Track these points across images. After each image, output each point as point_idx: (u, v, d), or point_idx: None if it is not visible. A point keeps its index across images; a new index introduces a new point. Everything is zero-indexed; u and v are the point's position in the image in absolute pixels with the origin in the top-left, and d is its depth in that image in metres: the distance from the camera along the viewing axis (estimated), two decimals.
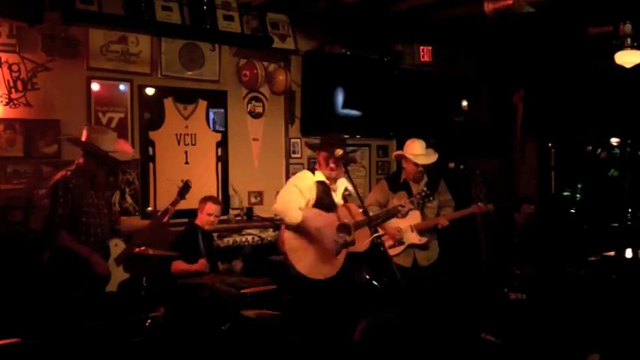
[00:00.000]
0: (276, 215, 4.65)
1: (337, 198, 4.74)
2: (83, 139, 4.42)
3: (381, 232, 4.53)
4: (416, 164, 5.53)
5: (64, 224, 4.24)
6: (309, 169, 4.83)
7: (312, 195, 4.60)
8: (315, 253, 4.53)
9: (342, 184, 4.77)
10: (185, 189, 4.92)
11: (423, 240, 5.55)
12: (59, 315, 4.31)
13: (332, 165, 4.63)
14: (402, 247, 5.52)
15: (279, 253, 4.84)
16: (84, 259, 4.27)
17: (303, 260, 4.51)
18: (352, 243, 4.62)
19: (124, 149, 4.67)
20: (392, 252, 5.35)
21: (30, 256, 4.88)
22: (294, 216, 4.47)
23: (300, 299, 4.63)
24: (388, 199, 5.55)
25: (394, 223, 5.43)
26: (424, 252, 5.61)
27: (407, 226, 5.52)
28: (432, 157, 5.57)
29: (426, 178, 5.68)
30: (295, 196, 4.55)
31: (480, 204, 5.73)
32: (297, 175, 4.79)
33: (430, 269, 5.59)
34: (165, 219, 4.87)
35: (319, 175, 4.69)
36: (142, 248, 4.73)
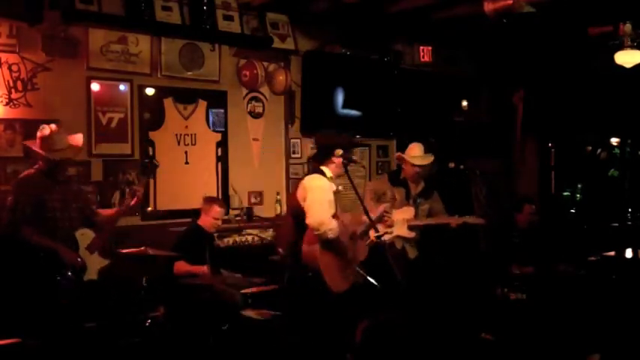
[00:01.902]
0: (317, 230, 4.20)
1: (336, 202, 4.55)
2: (36, 146, 4.58)
3: (381, 232, 4.51)
4: (413, 165, 5.73)
5: (25, 219, 4.42)
6: (313, 171, 4.48)
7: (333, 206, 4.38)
8: (338, 267, 4.39)
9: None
10: (149, 168, 4.93)
11: (412, 234, 5.66)
12: (50, 311, 4.39)
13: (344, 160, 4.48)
14: (389, 236, 5.56)
15: (303, 267, 4.37)
16: (51, 250, 4.42)
17: (333, 276, 4.34)
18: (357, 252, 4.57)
19: (75, 144, 4.75)
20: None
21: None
22: (335, 229, 4.23)
23: (320, 313, 4.39)
24: (385, 191, 5.76)
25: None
26: (411, 247, 5.74)
27: (400, 218, 5.66)
28: (427, 159, 5.77)
29: (423, 184, 5.87)
30: (330, 208, 4.31)
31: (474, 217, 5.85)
32: (320, 185, 4.35)
33: (414, 264, 5.70)
34: (133, 203, 4.89)
35: (332, 181, 4.44)
36: (142, 248, 4.74)
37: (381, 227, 5.50)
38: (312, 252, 4.32)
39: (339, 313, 4.37)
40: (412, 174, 5.78)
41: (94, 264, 4.64)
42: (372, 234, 4.62)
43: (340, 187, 4.55)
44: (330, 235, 4.21)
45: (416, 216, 5.74)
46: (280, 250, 4.66)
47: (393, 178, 5.92)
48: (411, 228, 5.65)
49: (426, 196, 5.88)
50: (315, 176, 4.40)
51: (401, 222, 5.65)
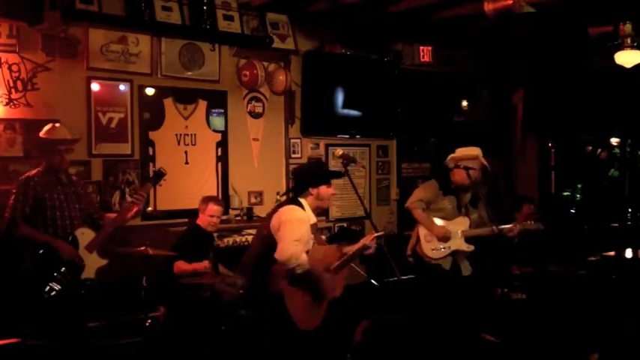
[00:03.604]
0: (286, 264, 4.05)
1: (314, 237, 4.36)
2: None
3: (381, 232, 4.49)
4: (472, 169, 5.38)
5: (24, 218, 4.52)
6: (290, 202, 4.30)
7: (308, 240, 4.21)
8: (306, 303, 4.19)
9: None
10: (157, 176, 4.92)
11: (471, 248, 5.45)
12: (48, 308, 4.41)
13: (331, 192, 4.35)
14: (445, 252, 5.42)
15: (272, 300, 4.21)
16: (47, 245, 4.48)
17: (300, 313, 4.15)
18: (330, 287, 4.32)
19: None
20: (435, 255, 5.39)
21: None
22: (305, 263, 4.07)
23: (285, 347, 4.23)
24: (436, 200, 5.47)
25: (444, 224, 5.41)
26: (466, 262, 5.54)
27: (456, 231, 5.45)
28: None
29: (471, 192, 5.58)
30: (302, 244, 4.14)
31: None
32: (296, 218, 4.16)
33: (468, 280, 5.50)
34: (136, 209, 4.88)
35: (310, 214, 4.27)
36: (142, 248, 4.74)
37: (436, 243, 5.38)
38: (278, 283, 4.12)
39: (306, 351, 4.20)
40: (463, 183, 5.43)
41: (93, 263, 4.64)
42: (372, 235, 4.57)
43: (316, 221, 4.35)
44: (298, 270, 4.05)
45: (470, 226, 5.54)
46: (239, 281, 4.55)
47: (443, 186, 5.53)
48: (468, 241, 5.43)
49: (475, 204, 5.63)
50: (292, 208, 4.23)
51: (458, 235, 5.43)
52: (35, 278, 4.47)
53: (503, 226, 5.42)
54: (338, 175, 4.53)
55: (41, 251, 4.48)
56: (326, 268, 4.25)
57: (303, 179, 4.39)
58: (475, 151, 5.54)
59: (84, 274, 4.60)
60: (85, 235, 4.67)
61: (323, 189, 4.31)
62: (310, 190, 4.29)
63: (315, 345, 4.26)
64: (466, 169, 5.34)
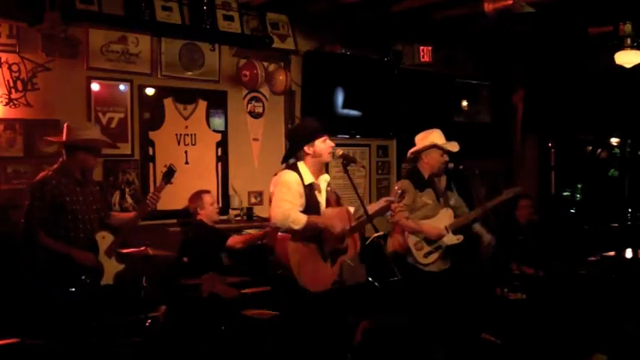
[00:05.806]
0: (281, 226, 3.99)
1: (321, 197, 4.25)
2: (64, 138, 4.46)
3: (381, 232, 4.45)
4: (443, 154, 5.22)
5: (41, 224, 4.28)
6: (288, 168, 4.20)
7: (301, 201, 4.07)
8: (315, 264, 4.09)
9: (324, 180, 4.27)
10: (170, 173, 4.74)
11: (461, 238, 5.19)
12: (59, 314, 4.33)
13: (330, 146, 4.12)
14: (439, 252, 5.16)
15: (277, 267, 4.15)
16: (65, 255, 4.29)
17: (307, 273, 4.03)
18: (345, 251, 4.26)
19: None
20: (429, 260, 5.12)
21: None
22: (298, 218, 3.95)
23: (298, 314, 4.15)
24: (415, 200, 5.18)
25: (430, 223, 5.18)
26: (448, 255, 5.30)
27: (442, 227, 5.19)
28: (456, 145, 5.31)
29: (445, 176, 5.39)
30: (293, 203, 4.03)
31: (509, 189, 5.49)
32: (283, 181, 4.10)
33: (446, 273, 5.31)
34: (149, 209, 4.81)
35: (306, 175, 4.14)
36: (142, 248, 4.73)
37: (427, 247, 5.11)
38: (283, 247, 4.03)
39: (320, 313, 4.11)
40: (440, 164, 5.21)
41: (111, 268, 4.50)
42: (392, 196, 4.39)
43: (327, 185, 4.27)
44: (295, 227, 3.93)
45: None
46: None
47: (417, 182, 5.21)
48: (456, 232, 5.18)
49: (450, 188, 5.41)
50: (283, 172, 4.15)
51: (444, 231, 5.17)
52: (53, 285, 4.33)
53: (482, 208, 5.25)
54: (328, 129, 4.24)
55: (58, 261, 4.31)
56: (342, 230, 4.11)
57: (296, 139, 4.20)
58: (439, 138, 5.31)
59: (103, 280, 4.45)
60: (106, 239, 4.48)
61: (318, 144, 4.11)
62: (306, 149, 4.11)
63: (324, 308, 4.12)
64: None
